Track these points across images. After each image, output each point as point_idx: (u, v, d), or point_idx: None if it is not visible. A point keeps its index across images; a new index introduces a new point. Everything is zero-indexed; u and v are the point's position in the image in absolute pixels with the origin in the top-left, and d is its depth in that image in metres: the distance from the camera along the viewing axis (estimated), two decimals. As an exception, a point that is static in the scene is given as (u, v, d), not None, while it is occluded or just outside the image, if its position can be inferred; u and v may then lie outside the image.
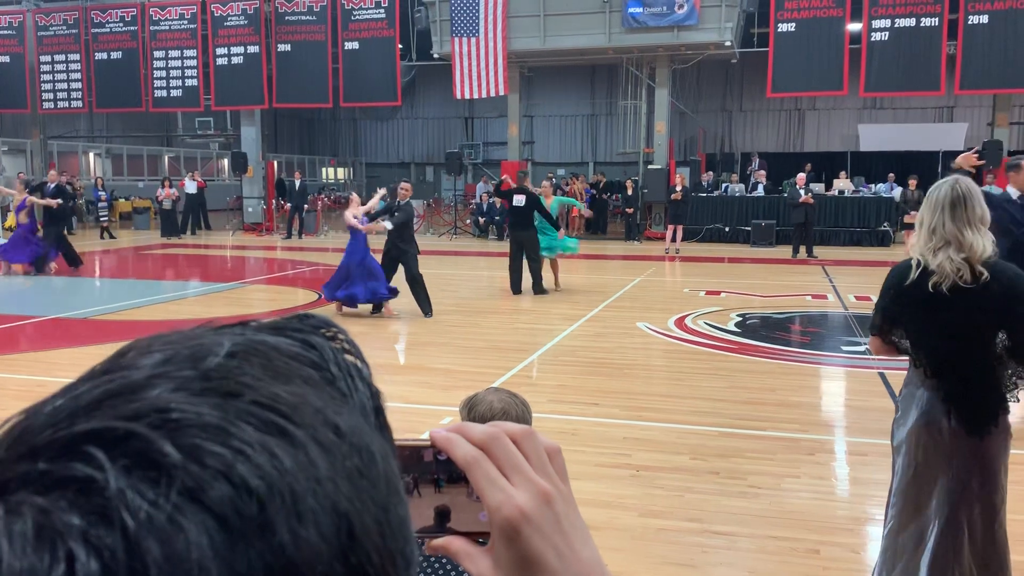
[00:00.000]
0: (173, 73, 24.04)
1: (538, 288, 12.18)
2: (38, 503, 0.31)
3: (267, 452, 0.34)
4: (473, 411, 2.23)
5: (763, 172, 21.72)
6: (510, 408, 2.22)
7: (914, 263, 3.11)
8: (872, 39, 19.13)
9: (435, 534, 0.53)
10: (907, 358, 3.25)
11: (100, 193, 22.88)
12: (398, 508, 0.39)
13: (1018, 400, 3.19)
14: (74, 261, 15.69)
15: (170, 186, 22.93)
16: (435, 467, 0.52)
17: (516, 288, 12.28)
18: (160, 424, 0.33)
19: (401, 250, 10.89)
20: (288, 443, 0.34)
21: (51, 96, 25.10)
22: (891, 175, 21.72)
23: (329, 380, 0.40)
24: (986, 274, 2.98)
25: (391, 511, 0.38)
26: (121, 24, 24.17)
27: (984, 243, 3.01)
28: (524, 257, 12.17)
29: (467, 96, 22.09)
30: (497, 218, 21.26)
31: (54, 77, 24.94)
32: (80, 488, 0.31)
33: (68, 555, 0.30)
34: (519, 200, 12.28)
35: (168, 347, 0.38)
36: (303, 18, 22.83)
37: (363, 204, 11.49)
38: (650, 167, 21.22)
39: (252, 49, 23.15)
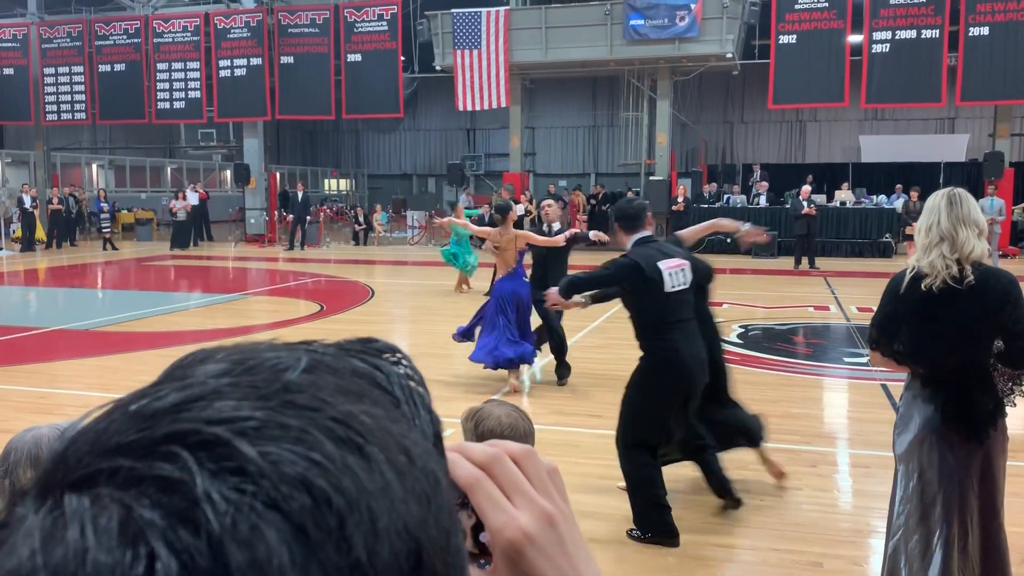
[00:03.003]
0: (176, 85, 24.13)
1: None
2: (123, 499, 0.31)
3: (347, 468, 0.34)
4: (480, 425, 2.19)
5: (765, 183, 21.75)
6: (518, 423, 2.20)
7: (908, 270, 3.14)
8: (873, 51, 19.19)
9: None
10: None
11: (103, 205, 22.93)
12: (457, 536, 0.39)
13: (1015, 405, 3.20)
14: None
15: (184, 197, 23.02)
16: None
17: None
18: (244, 431, 0.33)
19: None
20: (365, 462, 0.35)
21: (55, 108, 25.19)
22: (899, 186, 21.72)
23: (395, 404, 0.40)
24: (971, 276, 2.99)
25: (452, 538, 0.38)
26: (125, 36, 24.29)
27: (976, 244, 3.03)
28: None
29: (469, 108, 22.16)
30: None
31: (58, 89, 25.05)
32: (164, 488, 0.31)
33: (150, 553, 0.30)
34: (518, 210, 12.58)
35: (243, 358, 0.38)
36: (306, 30, 22.94)
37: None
38: (652, 178, 21.25)
39: (255, 61, 23.25)
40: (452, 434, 2.58)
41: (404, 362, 0.44)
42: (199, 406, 0.34)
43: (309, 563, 0.31)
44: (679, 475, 5.23)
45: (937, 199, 3.19)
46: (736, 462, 5.45)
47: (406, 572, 0.35)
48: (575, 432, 6.11)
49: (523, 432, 2.19)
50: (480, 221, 19.91)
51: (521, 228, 13.87)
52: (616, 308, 11.87)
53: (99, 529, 0.30)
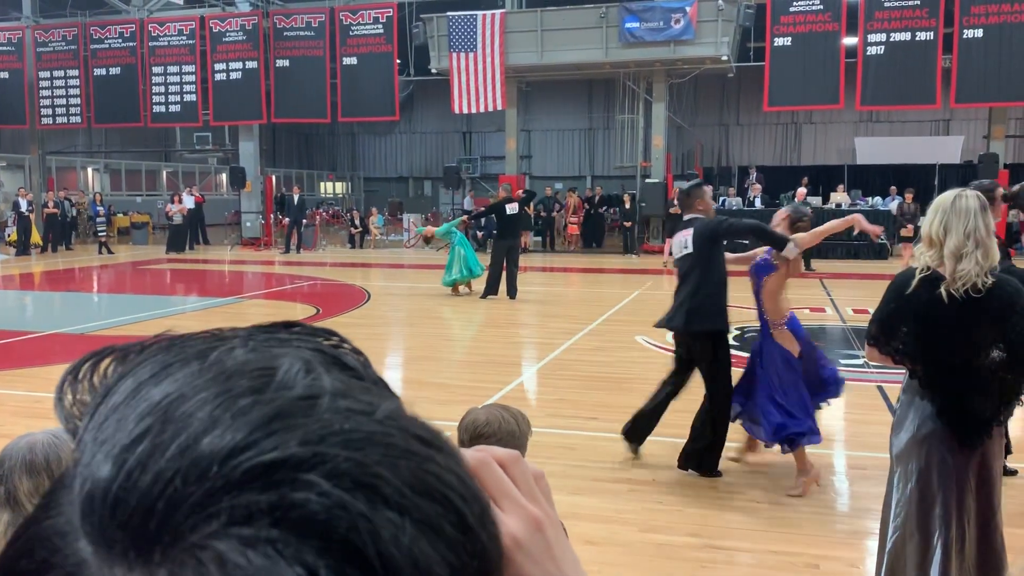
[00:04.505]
0: (172, 88, 24.11)
1: (513, 292, 12.88)
2: (271, 536, 0.30)
3: (437, 462, 0.36)
4: (461, 423, 2.25)
5: (759, 186, 21.78)
6: (493, 421, 2.22)
7: (918, 272, 3.10)
8: (868, 53, 19.23)
9: None
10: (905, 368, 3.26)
11: (99, 208, 22.90)
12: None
13: (1012, 414, 3.20)
14: None
15: (180, 200, 23.00)
16: None
17: (495, 291, 12.93)
18: (340, 444, 0.33)
19: None
20: (444, 455, 0.37)
21: (50, 112, 25.15)
22: (893, 188, 21.77)
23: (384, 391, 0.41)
24: (991, 281, 2.99)
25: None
26: (120, 40, 24.26)
27: (997, 251, 3.03)
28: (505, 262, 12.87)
29: (465, 111, 22.16)
30: (495, 232, 21.28)
31: (53, 93, 25.01)
32: (307, 518, 0.30)
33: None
34: (512, 209, 12.85)
35: (255, 368, 0.37)
36: (301, 34, 22.93)
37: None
38: (647, 181, 21.27)
39: (251, 64, 23.23)
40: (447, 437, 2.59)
41: (346, 344, 0.42)
42: (295, 422, 0.34)
43: (452, 560, 0.33)
44: (673, 478, 5.23)
45: (967, 203, 3.04)
46: (729, 464, 5.45)
47: (501, 549, 0.38)
48: (571, 434, 6.11)
49: (498, 431, 2.19)
50: (476, 222, 20.00)
51: (521, 225, 14.16)
52: (612, 311, 11.89)
53: (259, 571, 0.30)
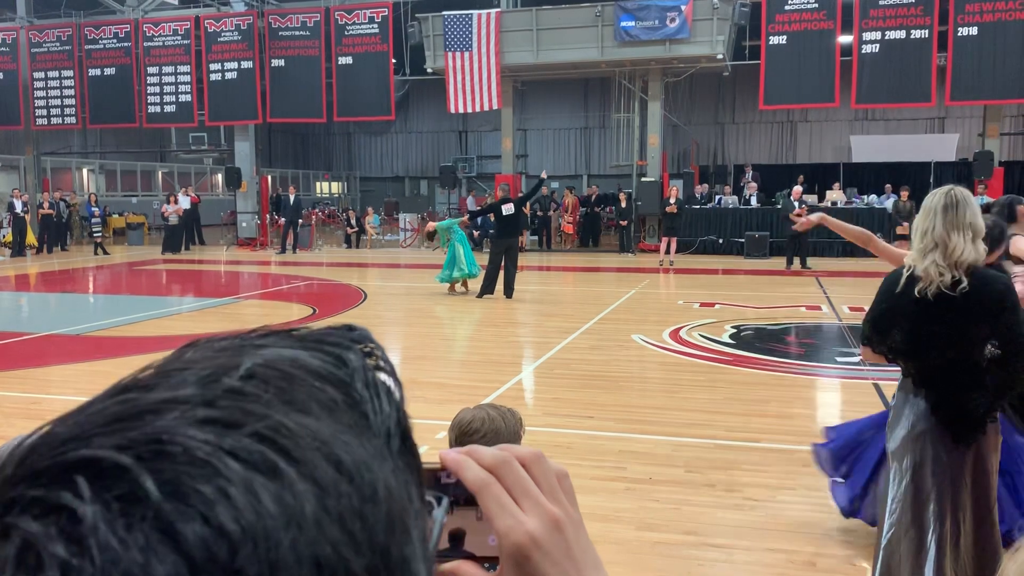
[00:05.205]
0: (167, 89, 24.07)
1: (510, 292, 12.90)
2: (26, 529, 0.31)
3: (250, 492, 0.32)
4: (451, 423, 2.26)
5: (754, 184, 21.81)
6: (476, 420, 2.23)
7: (904, 270, 3.12)
8: (863, 51, 19.26)
9: (449, 556, 0.52)
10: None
11: (94, 209, 22.86)
12: (403, 548, 0.36)
13: (1004, 410, 3.21)
14: None
15: (176, 201, 22.97)
16: (447, 489, 0.52)
17: (491, 290, 12.94)
18: (150, 456, 0.32)
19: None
20: (276, 482, 0.33)
21: (44, 112, 25.10)
22: (888, 186, 21.82)
23: (353, 403, 0.38)
24: (965, 282, 2.97)
25: (392, 553, 0.36)
26: (115, 40, 24.21)
27: (969, 249, 3.00)
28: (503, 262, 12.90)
29: (461, 110, 22.16)
30: (491, 231, 21.29)
31: (47, 93, 24.96)
32: (67, 517, 0.31)
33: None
34: (508, 209, 12.98)
35: (194, 364, 0.37)
36: (296, 33, 22.90)
37: None
38: (644, 180, 21.28)
39: (246, 64, 23.20)
40: (443, 437, 2.59)
41: (377, 352, 0.42)
42: (121, 427, 0.34)
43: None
44: (669, 476, 5.24)
45: (934, 200, 3.08)
46: (726, 462, 5.46)
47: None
48: (567, 433, 6.11)
49: (491, 430, 2.20)
50: (473, 221, 19.99)
51: (519, 224, 14.20)
52: (609, 310, 11.90)
53: (2, 557, 0.30)
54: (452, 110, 22.22)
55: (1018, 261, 4.22)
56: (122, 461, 0.32)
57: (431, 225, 14.84)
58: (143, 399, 0.35)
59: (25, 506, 0.32)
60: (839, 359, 8.70)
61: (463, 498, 0.51)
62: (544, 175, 14.14)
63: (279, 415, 0.35)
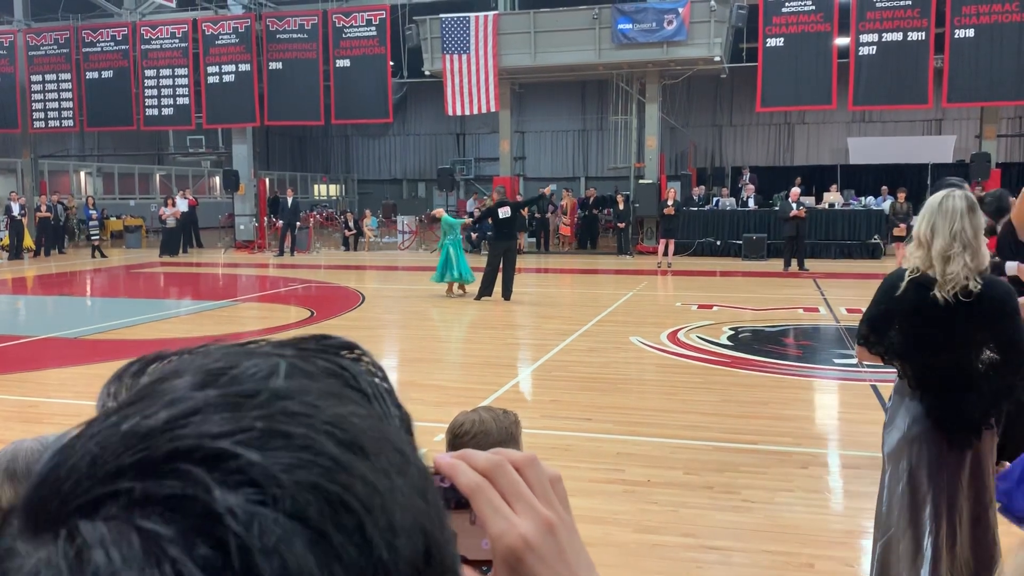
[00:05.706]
0: (164, 92, 24.07)
1: (508, 294, 12.92)
2: (139, 521, 0.31)
3: (356, 470, 0.34)
4: (450, 432, 2.26)
5: (752, 186, 21.84)
6: (467, 423, 2.24)
7: (907, 274, 3.10)
8: (860, 53, 19.30)
9: None
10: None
11: (91, 212, 22.85)
12: (447, 529, 0.40)
13: (1004, 414, 3.21)
14: None
15: (173, 204, 22.96)
16: (440, 493, 0.52)
17: (489, 292, 12.96)
18: (247, 442, 0.33)
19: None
20: (370, 462, 0.35)
21: (42, 115, 25.09)
22: (884, 188, 21.87)
23: (367, 402, 0.40)
24: (980, 285, 2.98)
25: (446, 531, 0.39)
26: (112, 43, 24.21)
27: (986, 252, 3.03)
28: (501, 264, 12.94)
29: (458, 113, 22.18)
30: (489, 233, 21.30)
31: (45, 96, 24.94)
32: (177, 506, 0.31)
33: (178, 572, 0.30)
34: (505, 212, 13.05)
35: (222, 367, 0.37)
36: (294, 36, 22.91)
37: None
38: (641, 182, 21.30)
39: (243, 67, 23.20)
40: (441, 440, 2.59)
41: (365, 358, 0.43)
42: (195, 421, 0.34)
43: (334, 567, 0.32)
44: (667, 478, 5.24)
45: (956, 204, 3.00)
46: (724, 464, 5.46)
47: (421, 566, 0.35)
48: (565, 435, 6.11)
49: (481, 432, 2.20)
50: (475, 224, 19.99)
51: (517, 226, 14.19)
52: (607, 312, 11.90)
53: (124, 554, 0.30)
54: (450, 112, 22.23)
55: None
56: (226, 447, 0.33)
57: (439, 211, 14.91)
58: (198, 397, 0.35)
59: (129, 500, 0.31)
60: (836, 361, 8.70)
61: (456, 502, 0.51)
62: (546, 192, 14.25)
63: (335, 407, 0.37)
